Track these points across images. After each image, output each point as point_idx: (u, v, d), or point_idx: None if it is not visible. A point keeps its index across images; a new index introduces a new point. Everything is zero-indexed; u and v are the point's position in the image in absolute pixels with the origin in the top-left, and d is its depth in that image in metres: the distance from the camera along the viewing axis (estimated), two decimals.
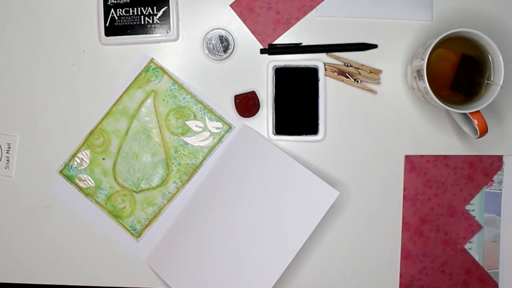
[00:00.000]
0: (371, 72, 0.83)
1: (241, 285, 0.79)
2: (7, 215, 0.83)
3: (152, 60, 0.83)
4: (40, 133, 0.84)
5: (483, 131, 0.76)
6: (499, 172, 0.84)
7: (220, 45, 0.83)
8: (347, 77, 0.83)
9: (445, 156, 0.84)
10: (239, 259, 0.79)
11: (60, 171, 0.84)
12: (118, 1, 0.81)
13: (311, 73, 0.82)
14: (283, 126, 0.82)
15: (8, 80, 0.84)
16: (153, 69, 0.83)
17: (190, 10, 0.83)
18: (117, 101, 0.83)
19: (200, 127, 0.83)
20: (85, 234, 0.84)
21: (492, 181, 0.84)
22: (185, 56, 0.83)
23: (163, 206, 0.84)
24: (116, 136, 0.83)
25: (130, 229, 0.84)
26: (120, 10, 0.81)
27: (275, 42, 0.83)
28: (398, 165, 0.84)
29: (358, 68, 0.83)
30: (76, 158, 0.83)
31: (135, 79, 0.83)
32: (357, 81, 0.83)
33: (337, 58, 0.83)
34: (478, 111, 0.75)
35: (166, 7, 0.81)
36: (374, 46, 0.83)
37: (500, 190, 0.85)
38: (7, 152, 0.83)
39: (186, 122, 0.83)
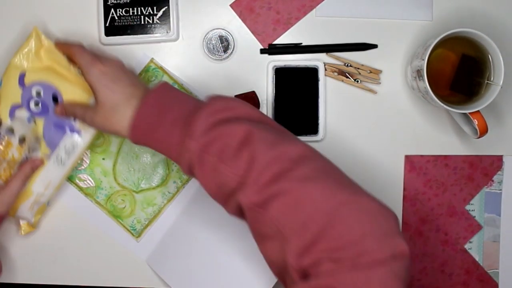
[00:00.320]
0: (371, 72, 0.83)
1: (241, 285, 0.79)
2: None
3: (152, 60, 0.83)
4: None
5: (483, 131, 0.76)
6: (499, 172, 0.84)
7: (220, 45, 0.83)
8: (347, 77, 0.83)
9: (445, 156, 0.84)
10: (239, 259, 0.79)
11: None
12: (118, 1, 0.81)
13: (311, 73, 0.82)
14: (283, 126, 0.82)
15: None
16: (153, 69, 0.83)
17: (190, 10, 0.83)
18: None
19: None
20: (85, 234, 0.84)
21: (492, 181, 0.84)
22: (185, 56, 0.83)
23: (163, 206, 0.84)
24: (116, 136, 0.83)
25: (130, 229, 0.84)
26: (120, 10, 0.81)
27: (275, 42, 0.83)
28: (398, 165, 0.84)
29: (358, 68, 0.83)
30: None
31: None
32: (357, 81, 0.83)
33: (337, 58, 0.83)
34: (478, 111, 0.75)
35: (166, 7, 0.81)
36: (374, 46, 0.83)
37: (500, 190, 0.85)
38: None
39: None
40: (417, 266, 0.84)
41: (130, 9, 0.81)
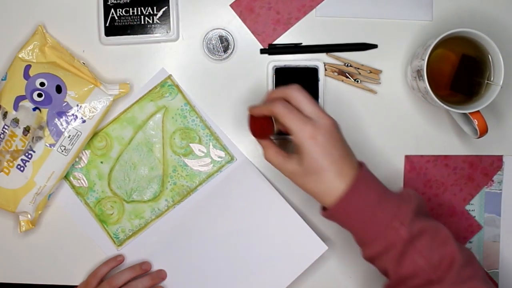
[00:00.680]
0: (371, 72, 0.83)
1: None
2: (7, 214, 0.83)
3: (169, 77, 0.83)
4: None
5: (483, 131, 0.76)
6: (499, 172, 0.84)
7: (220, 45, 0.83)
8: (347, 77, 0.83)
9: (445, 156, 0.84)
10: (230, 279, 0.80)
11: None
12: (118, 1, 0.81)
13: (311, 73, 0.82)
14: None
15: None
16: (169, 85, 0.83)
17: (190, 10, 0.83)
18: (127, 109, 0.83)
19: (203, 152, 0.83)
20: (85, 234, 0.84)
21: (492, 181, 0.84)
22: (185, 56, 0.83)
23: (150, 221, 0.83)
24: (119, 143, 0.83)
25: (113, 236, 0.83)
26: (120, 10, 0.81)
27: (275, 42, 0.83)
28: (398, 165, 0.84)
29: (358, 68, 0.83)
30: None
31: (149, 91, 0.83)
32: (357, 81, 0.83)
33: (337, 58, 0.83)
34: (478, 111, 0.75)
35: (166, 7, 0.81)
36: (374, 46, 0.83)
37: (500, 190, 0.85)
38: None
39: (190, 144, 0.83)
40: None
41: (130, 9, 0.81)
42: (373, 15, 0.83)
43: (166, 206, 0.83)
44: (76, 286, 0.83)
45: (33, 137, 0.77)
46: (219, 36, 0.83)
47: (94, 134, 0.82)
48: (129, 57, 0.83)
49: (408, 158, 0.84)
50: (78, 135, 0.78)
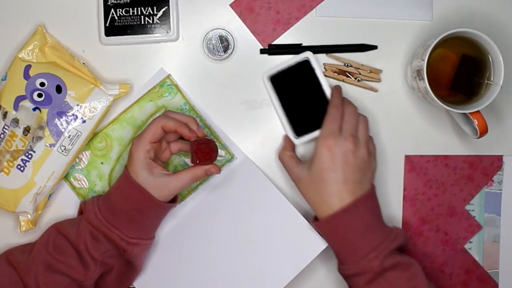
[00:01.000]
0: (371, 72, 0.83)
1: None
2: (7, 214, 0.83)
3: (168, 76, 0.83)
4: None
5: (483, 131, 0.76)
6: (499, 172, 0.84)
7: (220, 45, 0.83)
8: (347, 76, 0.83)
9: (445, 156, 0.84)
10: (228, 281, 0.80)
11: None
12: (118, 1, 0.81)
13: (304, 66, 0.81)
14: (302, 126, 0.81)
15: None
16: (168, 85, 0.83)
17: (190, 10, 0.83)
18: (127, 109, 0.83)
19: None
20: None
21: (492, 181, 0.84)
22: (185, 56, 0.83)
23: None
24: (119, 143, 0.83)
25: None
26: (120, 10, 0.81)
27: (275, 42, 0.83)
28: (398, 165, 0.84)
29: (358, 68, 0.83)
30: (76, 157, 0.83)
31: (149, 91, 0.83)
32: (358, 80, 0.83)
33: (337, 58, 0.83)
34: (478, 111, 0.75)
35: (166, 7, 0.81)
36: (374, 47, 0.83)
37: (500, 190, 0.85)
38: None
39: None
40: None
41: (130, 9, 0.81)
42: (373, 15, 0.83)
43: None
44: None
45: (33, 137, 0.77)
46: (219, 36, 0.83)
47: (94, 135, 0.82)
48: (129, 57, 0.83)
49: (408, 158, 0.84)
50: (78, 135, 0.78)
